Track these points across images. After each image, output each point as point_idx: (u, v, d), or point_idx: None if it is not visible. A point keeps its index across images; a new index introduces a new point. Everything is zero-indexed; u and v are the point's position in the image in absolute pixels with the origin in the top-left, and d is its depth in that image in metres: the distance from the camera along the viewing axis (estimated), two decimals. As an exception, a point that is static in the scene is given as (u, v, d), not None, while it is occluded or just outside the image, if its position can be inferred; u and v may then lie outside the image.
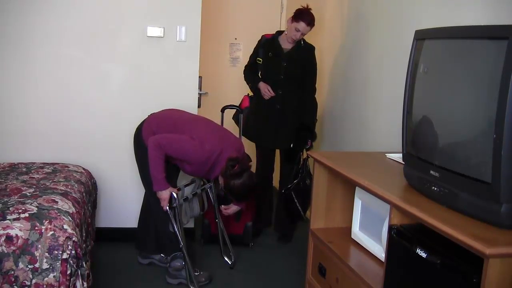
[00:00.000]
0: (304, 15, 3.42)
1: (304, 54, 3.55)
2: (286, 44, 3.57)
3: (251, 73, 3.69)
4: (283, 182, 3.66)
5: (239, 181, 2.80)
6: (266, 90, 3.53)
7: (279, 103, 3.56)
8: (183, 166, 2.92)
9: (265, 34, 3.68)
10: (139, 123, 3.04)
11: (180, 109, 3.17)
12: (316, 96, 3.63)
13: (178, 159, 2.85)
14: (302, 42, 3.56)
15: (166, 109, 3.13)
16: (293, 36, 3.47)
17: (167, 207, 2.81)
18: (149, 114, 3.06)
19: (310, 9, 3.45)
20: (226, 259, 3.32)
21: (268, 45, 3.60)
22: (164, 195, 2.79)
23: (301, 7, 3.46)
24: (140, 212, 3.29)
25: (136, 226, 3.35)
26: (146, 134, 2.93)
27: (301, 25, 3.41)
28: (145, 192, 3.17)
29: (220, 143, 2.84)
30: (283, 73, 3.53)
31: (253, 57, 3.69)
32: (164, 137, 2.78)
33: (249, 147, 3.82)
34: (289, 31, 3.49)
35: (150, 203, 3.06)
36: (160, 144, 2.74)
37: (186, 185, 3.08)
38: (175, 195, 2.80)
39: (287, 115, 3.58)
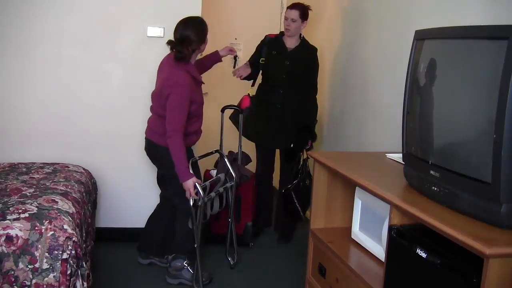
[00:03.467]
0: (290, 5, 3.56)
1: (307, 54, 3.58)
2: (289, 44, 3.59)
3: None
4: (283, 182, 3.66)
5: None
6: (241, 69, 3.58)
7: (280, 102, 3.56)
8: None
9: (268, 34, 3.71)
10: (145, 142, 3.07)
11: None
12: (316, 96, 3.63)
13: (193, 102, 2.87)
14: (305, 43, 3.58)
15: None
16: (286, 26, 3.54)
17: (191, 204, 2.82)
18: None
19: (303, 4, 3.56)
20: (229, 259, 3.32)
21: (272, 43, 3.63)
22: (189, 184, 2.81)
23: None
24: (151, 215, 3.28)
25: (136, 226, 3.35)
26: (152, 134, 2.97)
27: (287, 12, 3.53)
28: (161, 197, 3.20)
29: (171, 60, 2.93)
30: (286, 72, 3.54)
31: (254, 57, 3.69)
32: (168, 122, 2.79)
33: (250, 148, 3.82)
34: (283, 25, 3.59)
35: (176, 208, 3.06)
36: (173, 129, 2.77)
37: (211, 183, 3.10)
38: (198, 185, 2.82)
39: (287, 115, 3.58)
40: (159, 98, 2.88)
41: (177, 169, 2.79)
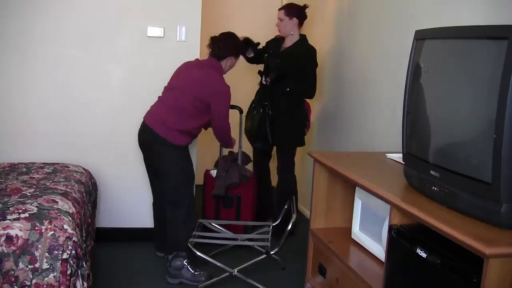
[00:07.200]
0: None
1: (299, 53, 3.55)
2: (286, 43, 3.64)
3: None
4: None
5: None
6: None
7: (267, 100, 3.57)
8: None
9: (278, 35, 3.77)
10: (140, 131, 3.06)
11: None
12: (315, 96, 3.62)
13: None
14: (301, 43, 3.58)
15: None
16: (277, 26, 3.63)
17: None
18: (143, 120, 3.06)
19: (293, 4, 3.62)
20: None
21: (272, 42, 3.72)
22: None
23: None
24: (154, 214, 3.30)
25: (136, 226, 3.36)
26: (160, 126, 2.94)
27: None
28: (154, 194, 3.23)
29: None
30: (275, 70, 3.55)
31: (263, 48, 3.75)
32: (218, 118, 3.02)
33: (250, 148, 3.82)
34: None
35: (168, 208, 3.06)
36: (225, 115, 3.05)
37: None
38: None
39: (274, 114, 3.56)
40: (190, 97, 2.95)
41: (229, 142, 3.25)
